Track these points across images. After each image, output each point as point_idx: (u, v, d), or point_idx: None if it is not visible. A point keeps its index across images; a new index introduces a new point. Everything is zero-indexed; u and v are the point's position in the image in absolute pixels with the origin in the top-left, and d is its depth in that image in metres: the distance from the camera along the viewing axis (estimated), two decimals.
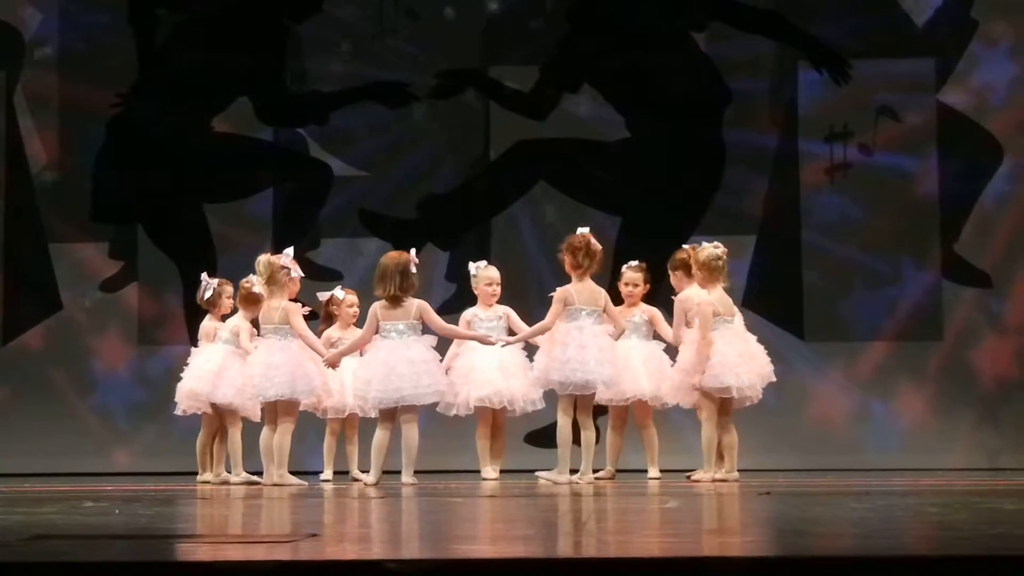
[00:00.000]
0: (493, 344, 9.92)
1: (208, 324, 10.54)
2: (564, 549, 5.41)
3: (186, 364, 10.51)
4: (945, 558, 4.84)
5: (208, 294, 10.53)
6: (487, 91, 12.67)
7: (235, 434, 10.27)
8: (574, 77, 12.60)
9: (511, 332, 10.35)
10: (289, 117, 12.81)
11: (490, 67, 12.71)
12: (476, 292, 10.56)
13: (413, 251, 9.78)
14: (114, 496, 8.63)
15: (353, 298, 10.63)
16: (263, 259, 10.00)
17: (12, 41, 12.89)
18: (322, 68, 12.77)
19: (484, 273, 10.55)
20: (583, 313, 9.68)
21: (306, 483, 9.77)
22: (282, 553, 5.15)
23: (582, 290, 9.72)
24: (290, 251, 9.98)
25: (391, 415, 9.64)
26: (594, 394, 9.78)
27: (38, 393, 12.52)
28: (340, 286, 10.78)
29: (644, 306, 10.52)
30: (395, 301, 9.63)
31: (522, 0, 12.76)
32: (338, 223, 12.47)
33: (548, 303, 9.80)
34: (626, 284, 10.51)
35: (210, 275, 10.65)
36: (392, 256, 9.81)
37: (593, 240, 9.74)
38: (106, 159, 12.78)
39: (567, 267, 9.76)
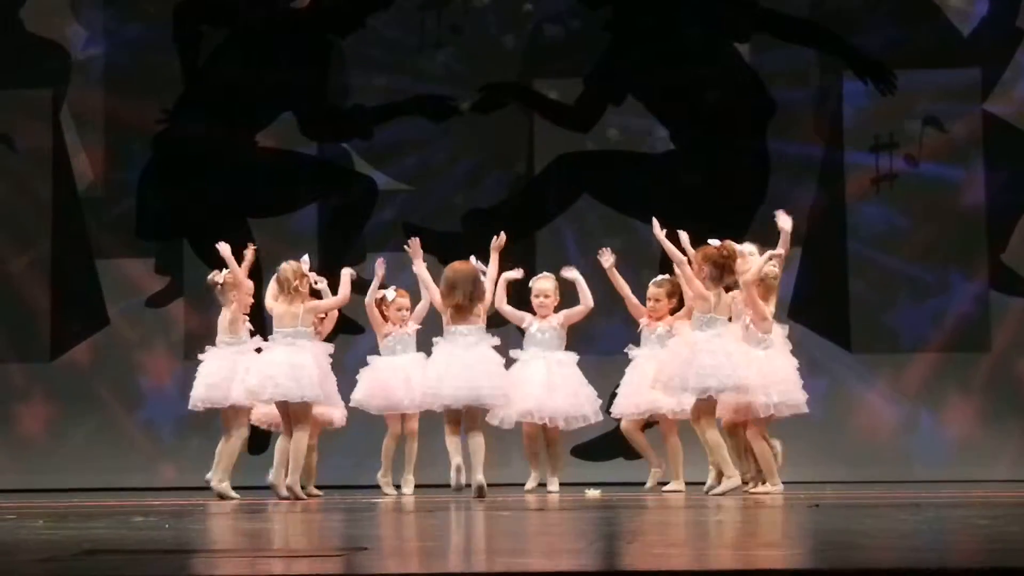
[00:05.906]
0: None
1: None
2: (613, 562, 5.40)
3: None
4: (996, 570, 4.81)
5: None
6: (530, 104, 12.66)
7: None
8: (617, 89, 12.58)
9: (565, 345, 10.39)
10: (333, 132, 12.83)
11: (533, 80, 12.71)
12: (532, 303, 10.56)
13: (473, 258, 9.81)
14: (163, 511, 8.66)
15: (404, 300, 10.62)
16: (290, 267, 9.96)
17: (58, 59, 12.96)
18: (366, 82, 12.80)
19: (534, 284, 10.53)
20: (720, 322, 9.60)
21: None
22: (333, 567, 5.16)
23: (719, 302, 9.62)
24: (306, 258, 10.00)
25: (458, 420, 9.61)
26: (716, 402, 9.64)
27: (85, 408, 12.59)
28: (393, 287, 10.74)
29: (668, 318, 10.46)
30: (463, 311, 9.59)
31: (565, 13, 12.75)
32: (383, 237, 12.47)
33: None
34: (648, 299, 10.45)
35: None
36: (459, 266, 9.76)
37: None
38: (152, 175, 12.84)
39: (704, 278, 9.61)
